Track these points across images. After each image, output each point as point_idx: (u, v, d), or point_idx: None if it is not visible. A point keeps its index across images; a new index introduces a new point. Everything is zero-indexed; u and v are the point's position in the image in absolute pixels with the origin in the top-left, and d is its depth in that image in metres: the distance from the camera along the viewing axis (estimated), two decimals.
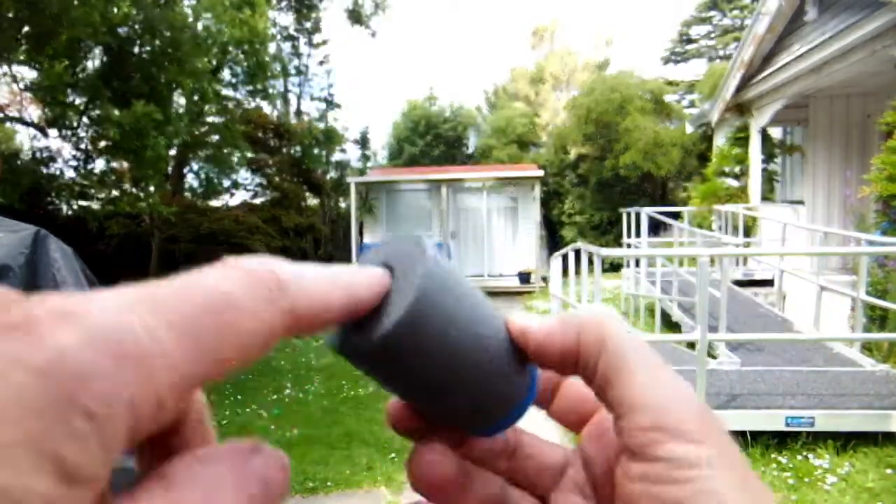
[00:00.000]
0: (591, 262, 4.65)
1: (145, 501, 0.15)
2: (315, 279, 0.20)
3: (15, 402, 0.12)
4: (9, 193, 7.71)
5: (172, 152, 11.54)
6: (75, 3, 7.27)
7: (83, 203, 10.37)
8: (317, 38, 19.03)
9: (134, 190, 9.56)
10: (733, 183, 9.90)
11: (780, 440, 3.85)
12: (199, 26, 9.74)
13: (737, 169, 9.92)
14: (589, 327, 0.24)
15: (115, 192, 9.58)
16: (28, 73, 8.55)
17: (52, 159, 9.54)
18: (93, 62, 9.33)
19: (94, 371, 0.13)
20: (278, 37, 16.99)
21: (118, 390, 0.14)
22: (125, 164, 9.29)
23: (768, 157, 9.52)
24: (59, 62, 7.57)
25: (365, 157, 21.03)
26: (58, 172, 9.68)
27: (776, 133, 9.85)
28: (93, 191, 9.73)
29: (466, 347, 0.23)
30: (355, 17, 18.77)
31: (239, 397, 5.81)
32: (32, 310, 0.14)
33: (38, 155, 9.40)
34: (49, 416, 0.13)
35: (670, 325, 7.26)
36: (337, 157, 19.12)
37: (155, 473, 0.16)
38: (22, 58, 7.98)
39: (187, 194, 14.33)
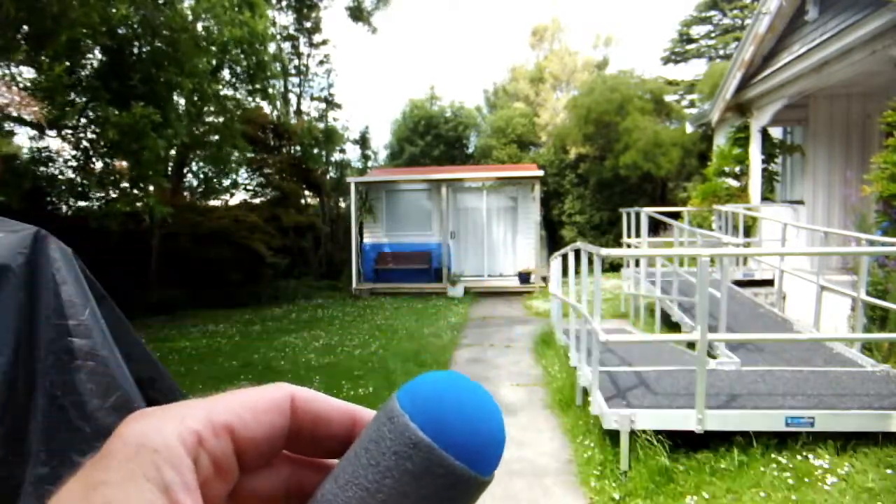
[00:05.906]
0: (591, 262, 4.65)
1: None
2: None
3: None
4: (9, 194, 7.70)
5: (172, 152, 11.52)
6: (74, 3, 7.27)
7: (82, 204, 10.35)
8: (317, 38, 19.01)
9: (135, 191, 9.53)
10: (733, 183, 9.89)
11: (780, 440, 3.84)
12: (199, 27, 9.73)
13: (737, 169, 9.91)
14: None
15: (112, 193, 9.56)
16: (27, 73, 8.54)
17: (52, 159, 9.51)
18: (92, 63, 9.32)
19: None
20: (278, 37, 16.95)
21: None
22: (124, 164, 9.27)
23: (768, 157, 9.51)
24: (59, 63, 7.57)
25: (365, 157, 21.03)
26: (57, 172, 9.66)
27: (776, 133, 9.83)
28: (91, 191, 9.70)
29: None
30: (356, 14, 18.72)
31: None
32: None
33: (37, 155, 9.37)
34: None
35: (670, 325, 7.25)
36: (337, 156, 19.12)
37: None
38: (21, 58, 7.97)
39: (187, 194, 14.31)
